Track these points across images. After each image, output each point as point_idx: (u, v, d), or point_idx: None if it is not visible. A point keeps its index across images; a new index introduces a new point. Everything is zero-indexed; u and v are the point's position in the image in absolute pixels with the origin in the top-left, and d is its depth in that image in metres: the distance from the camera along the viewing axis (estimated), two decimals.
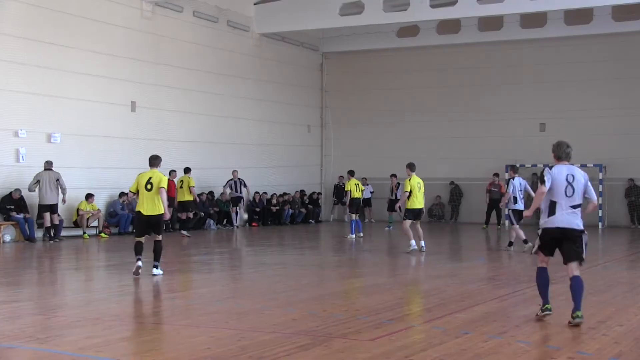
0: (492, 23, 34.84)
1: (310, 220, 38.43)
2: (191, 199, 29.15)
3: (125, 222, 28.65)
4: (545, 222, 10.64)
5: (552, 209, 10.57)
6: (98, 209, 27.86)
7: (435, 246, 24.31)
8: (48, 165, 25.59)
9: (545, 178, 10.50)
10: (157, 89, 31.17)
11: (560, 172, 10.55)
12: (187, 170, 28.94)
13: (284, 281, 16.43)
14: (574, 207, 10.54)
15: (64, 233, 26.64)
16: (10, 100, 25.78)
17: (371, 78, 40.43)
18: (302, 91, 40.36)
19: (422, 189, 22.16)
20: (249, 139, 36.15)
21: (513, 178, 22.45)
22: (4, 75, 25.78)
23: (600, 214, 33.17)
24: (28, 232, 25.20)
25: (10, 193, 25.63)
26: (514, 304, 12.86)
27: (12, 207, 25.58)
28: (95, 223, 27.92)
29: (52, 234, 25.67)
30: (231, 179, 33.12)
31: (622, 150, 34.68)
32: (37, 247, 24.24)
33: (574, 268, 10.45)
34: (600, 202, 33.02)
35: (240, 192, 33.29)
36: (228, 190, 33.21)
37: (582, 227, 10.58)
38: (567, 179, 10.51)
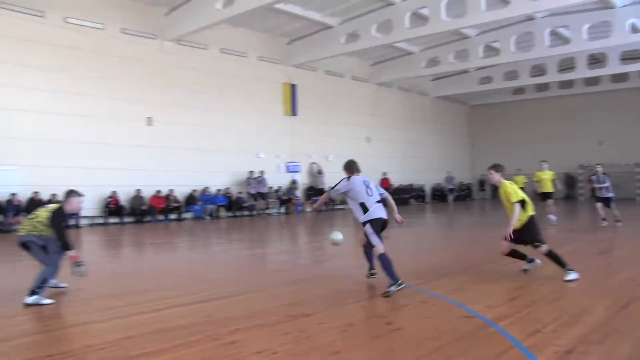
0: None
1: (467, 199, 38.34)
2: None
3: None
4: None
5: (364, 208, 7.69)
6: None
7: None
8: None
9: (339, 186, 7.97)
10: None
11: (357, 179, 7.90)
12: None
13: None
14: (378, 202, 7.83)
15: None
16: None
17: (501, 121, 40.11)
18: (456, 132, 40.61)
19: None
20: (415, 154, 36.50)
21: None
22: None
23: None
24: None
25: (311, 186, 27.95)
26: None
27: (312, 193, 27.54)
28: None
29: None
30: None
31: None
32: None
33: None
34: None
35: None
36: None
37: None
38: (364, 183, 7.87)
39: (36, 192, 20.04)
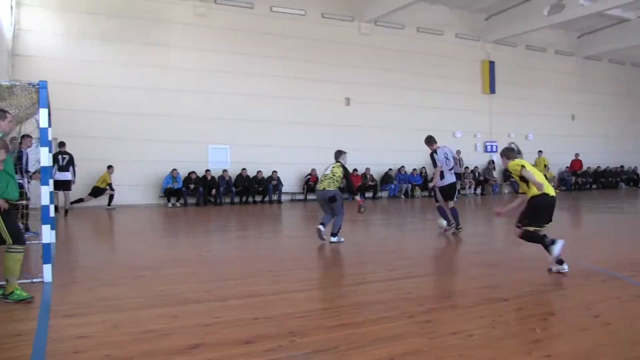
0: None
1: None
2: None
3: None
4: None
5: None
6: None
7: None
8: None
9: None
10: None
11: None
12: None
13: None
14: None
15: None
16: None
17: None
18: None
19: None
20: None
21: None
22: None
23: None
24: None
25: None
26: None
27: None
28: None
29: None
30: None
31: None
32: None
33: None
34: None
35: None
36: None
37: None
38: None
39: (244, 169, 21.68)
